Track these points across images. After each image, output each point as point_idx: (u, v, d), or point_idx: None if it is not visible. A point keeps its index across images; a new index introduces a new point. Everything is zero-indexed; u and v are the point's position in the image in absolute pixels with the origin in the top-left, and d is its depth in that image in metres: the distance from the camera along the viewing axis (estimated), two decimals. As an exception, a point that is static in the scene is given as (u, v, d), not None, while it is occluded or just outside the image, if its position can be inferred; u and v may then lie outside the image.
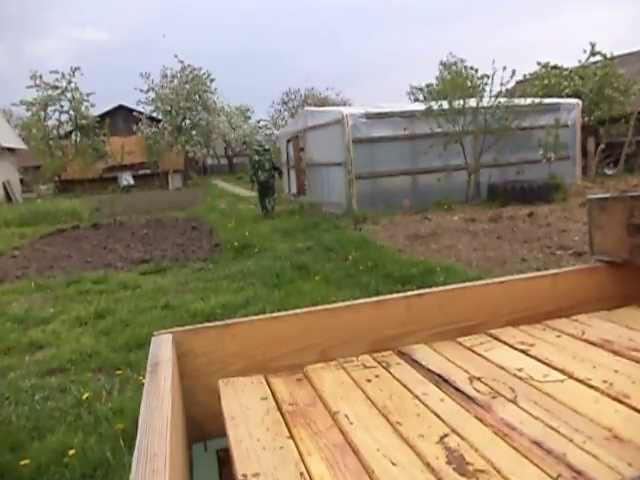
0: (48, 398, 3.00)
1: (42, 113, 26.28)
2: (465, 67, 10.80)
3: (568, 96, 13.50)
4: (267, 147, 11.42)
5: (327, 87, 58.50)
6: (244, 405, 1.07)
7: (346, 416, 0.99)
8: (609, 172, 13.43)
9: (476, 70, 10.63)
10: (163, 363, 1.02)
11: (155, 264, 6.85)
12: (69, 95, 26.23)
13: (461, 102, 10.05)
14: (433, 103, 10.17)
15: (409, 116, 10.52)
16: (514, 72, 10.45)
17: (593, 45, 14.58)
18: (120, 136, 29.26)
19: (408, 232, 7.70)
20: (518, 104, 10.22)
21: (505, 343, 1.29)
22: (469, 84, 10.50)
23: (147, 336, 1.24)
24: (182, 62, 28.89)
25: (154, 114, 29.93)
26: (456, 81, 10.50)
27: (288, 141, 15.08)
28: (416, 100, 27.63)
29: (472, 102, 10.27)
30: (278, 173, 11.40)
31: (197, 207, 14.78)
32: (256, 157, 10.95)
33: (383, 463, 0.82)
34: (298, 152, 14.00)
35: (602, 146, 13.22)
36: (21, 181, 25.70)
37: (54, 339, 4.09)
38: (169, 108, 29.34)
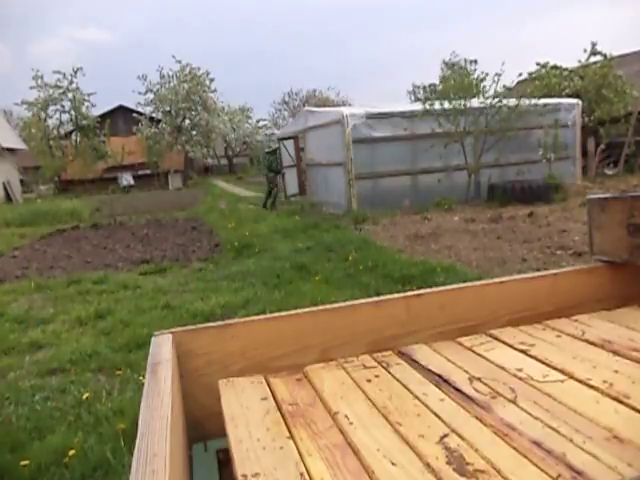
0: (48, 398, 2.99)
1: (42, 113, 26.26)
2: (464, 64, 10.74)
3: (568, 96, 13.49)
4: (274, 148, 13.86)
5: (328, 87, 58.59)
6: (244, 405, 1.07)
7: (346, 416, 0.99)
8: (609, 172, 13.43)
9: (477, 72, 10.60)
10: (163, 363, 1.02)
11: (155, 264, 6.84)
12: (70, 95, 26.21)
13: (463, 102, 10.04)
14: (437, 103, 10.14)
15: (409, 116, 10.50)
16: (520, 75, 10.44)
17: (594, 44, 14.57)
18: (120, 136, 29.27)
19: (408, 232, 7.70)
20: (519, 104, 10.22)
21: (505, 343, 1.29)
22: (474, 85, 10.45)
23: (147, 336, 1.24)
24: (180, 62, 28.88)
25: (154, 114, 29.91)
26: (462, 82, 10.47)
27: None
28: (417, 100, 27.53)
29: (475, 102, 10.26)
30: (276, 173, 13.55)
31: (197, 207, 14.77)
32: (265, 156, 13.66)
33: (383, 463, 0.82)
34: (298, 152, 14.00)
35: (602, 146, 13.22)
36: (21, 181, 25.68)
37: (54, 339, 4.08)
38: (168, 108, 29.31)
